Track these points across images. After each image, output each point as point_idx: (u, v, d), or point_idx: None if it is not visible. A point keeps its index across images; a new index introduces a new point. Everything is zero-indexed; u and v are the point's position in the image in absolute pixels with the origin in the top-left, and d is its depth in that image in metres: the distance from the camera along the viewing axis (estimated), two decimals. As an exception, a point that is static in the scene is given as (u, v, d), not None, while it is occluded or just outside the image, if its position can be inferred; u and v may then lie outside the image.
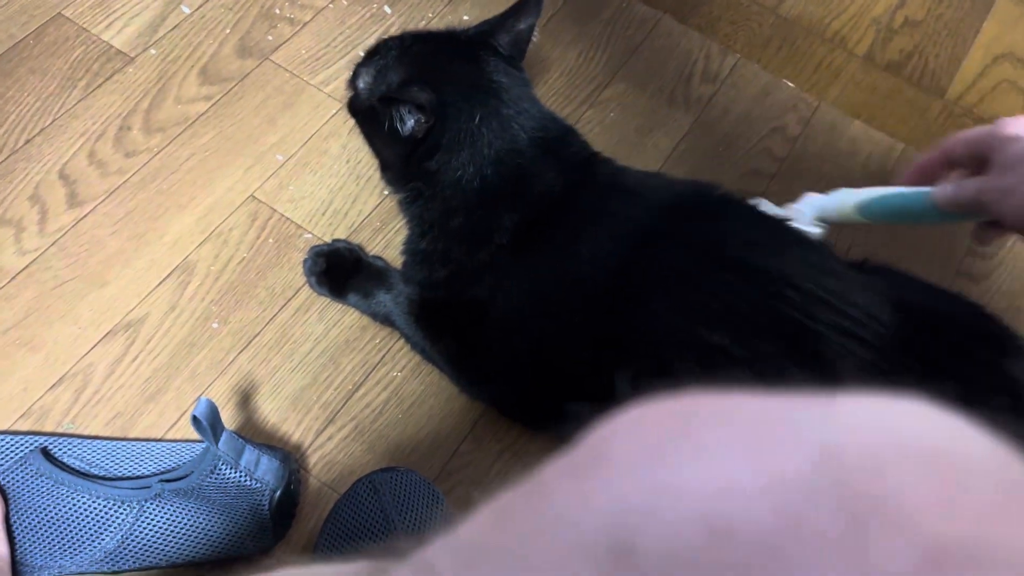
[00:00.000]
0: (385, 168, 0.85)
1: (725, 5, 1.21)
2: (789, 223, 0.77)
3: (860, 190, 0.75)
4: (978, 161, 0.65)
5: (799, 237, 0.76)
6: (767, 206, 0.82)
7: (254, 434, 0.84)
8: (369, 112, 0.82)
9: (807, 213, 0.79)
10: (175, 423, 0.83)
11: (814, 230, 0.80)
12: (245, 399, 0.86)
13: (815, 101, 1.12)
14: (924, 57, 1.19)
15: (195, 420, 0.71)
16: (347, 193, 0.98)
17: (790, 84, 1.13)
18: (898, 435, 0.19)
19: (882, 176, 1.07)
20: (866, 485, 0.17)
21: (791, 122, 1.10)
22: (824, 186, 1.05)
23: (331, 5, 1.11)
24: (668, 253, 0.74)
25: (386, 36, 1.09)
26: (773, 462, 0.18)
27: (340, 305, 0.91)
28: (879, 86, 1.16)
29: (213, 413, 0.72)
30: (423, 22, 1.12)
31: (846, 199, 0.75)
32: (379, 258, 0.93)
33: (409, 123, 0.77)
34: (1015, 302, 1.01)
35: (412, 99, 0.75)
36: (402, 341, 0.90)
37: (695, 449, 0.20)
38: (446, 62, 0.81)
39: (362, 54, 0.91)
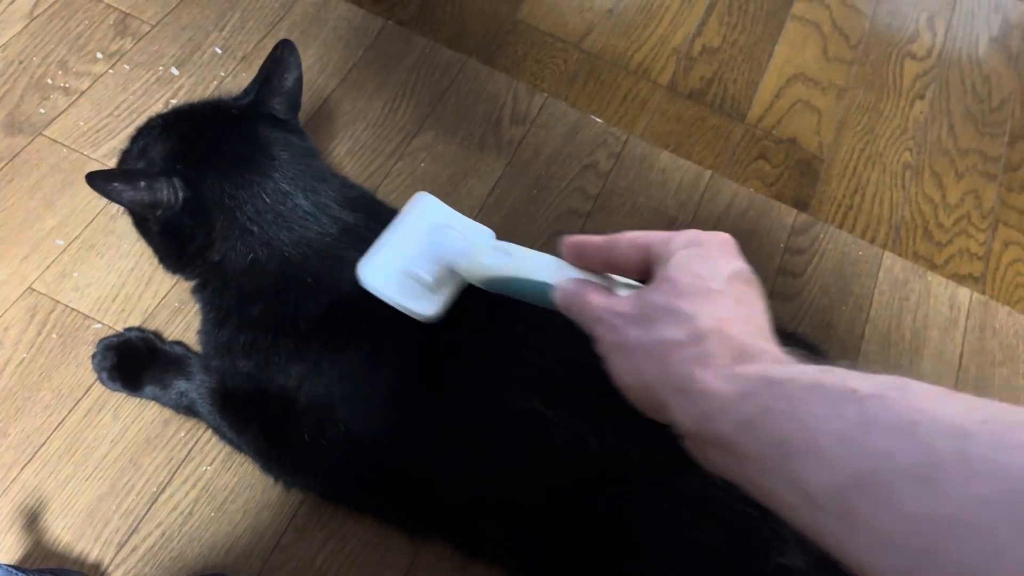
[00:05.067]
0: (162, 260, 0.78)
1: (530, 43, 1.20)
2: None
3: (493, 257, 0.58)
4: (645, 269, 0.49)
5: None
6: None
7: (45, 558, 0.76)
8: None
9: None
10: (-52, 559, 0.74)
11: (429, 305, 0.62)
12: (32, 519, 0.78)
13: (624, 135, 1.14)
14: (723, 83, 1.23)
15: (-44, 564, 0.63)
16: (140, 274, 0.91)
17: (598, 120, 1.14)
18: None
19: (692, 205, 1.09)
20: None
21: (602, 158, 1.11)
22: (638, 220, 1.07)
23: (111, 70, 1.04)
24: (466, 328, 0.71)
25: (177, 101, 1.03)
26: None
27: (139, 400, 0.84)
28: (683, 115, 1.19)
29: (-21, 552, 0.64)
30: (215, 82, 1.06)
31: (479, 263, 0.59)
32: (178, 343, 0.87)
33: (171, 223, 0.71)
34: (833, 302, 1.05)
35: (157, 204, 0.69)
36: (210, 432, 0.84)
37: None
38: (215, 144, 0.74)
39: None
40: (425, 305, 0.63)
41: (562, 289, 0.50)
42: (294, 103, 0.81)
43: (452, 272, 0.63)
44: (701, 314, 0.42)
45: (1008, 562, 0.28)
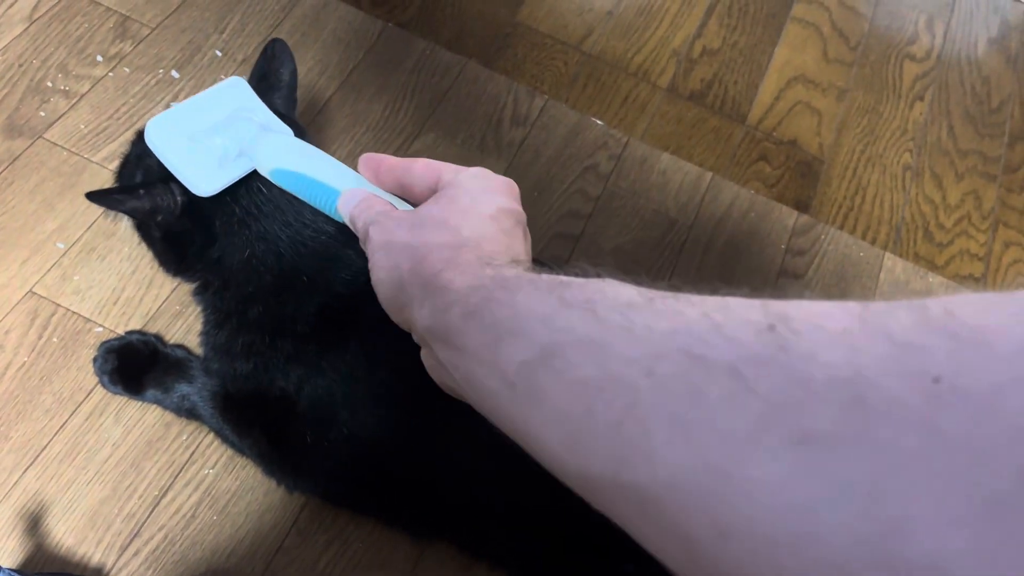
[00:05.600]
0: (163, 263, 0.78)
1: (530, 46, 1.21)
2: None
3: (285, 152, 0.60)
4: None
5: None
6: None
7: (47, 562, 0.76)
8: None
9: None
10: (-50, 564, 0.74)
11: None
12: (34, 523, 0.77)
13: (624, 137, 1.14)
14: (724, 85, 1.23)
15: (-42, 569, 0.63)
16: (141, 277, 0.91)
17: (598, 122, 1.14)
18: None
19: (693, 206, 1.09)
20: None
21: (602, 160, 1.11)
22: (639, 221, 1.07)
23: (111, 74, 1.04)
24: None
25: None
26: None
27: (140, 403, 0.84)
28: (684, 117, 1.19)
29: (-19, 556, 0.64)
30: (215, 85, 1.06)
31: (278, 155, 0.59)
32: (180, 346, 0.87)
33: (170, 224, 0.71)
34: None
35: (157, 210, 0.69)
36: (212, 435, 0.83)
37: None
38: None
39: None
40: (203, 179, 0.62)
41: (349, 193, 0.52)
42: (291, 98, 0.80)
43: (240, 155, 0.62)
44: (465, 227, 0.45)
45: (640, 414, 0.29)
